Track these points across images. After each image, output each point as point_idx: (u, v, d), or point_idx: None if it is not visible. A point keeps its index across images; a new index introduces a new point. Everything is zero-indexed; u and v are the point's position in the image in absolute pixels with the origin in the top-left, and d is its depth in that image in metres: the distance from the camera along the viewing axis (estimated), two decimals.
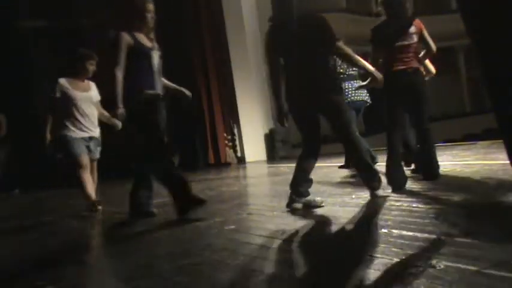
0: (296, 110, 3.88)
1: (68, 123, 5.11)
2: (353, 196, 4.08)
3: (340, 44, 3.77)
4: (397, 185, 4.10)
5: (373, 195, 3.84)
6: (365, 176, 3.86)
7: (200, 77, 10.69)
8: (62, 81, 5.18)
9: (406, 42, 4.39)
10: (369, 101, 6.32)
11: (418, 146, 4.63)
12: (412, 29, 4.41)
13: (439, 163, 4.53)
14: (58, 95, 5.10)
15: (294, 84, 3.81)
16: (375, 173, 3.86)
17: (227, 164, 10.26)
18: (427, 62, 4.69)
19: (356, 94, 6.19)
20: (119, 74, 3.92)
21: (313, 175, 4.71)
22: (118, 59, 3.94)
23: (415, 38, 4.42)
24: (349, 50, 3.84)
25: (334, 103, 3.75)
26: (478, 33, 2.64)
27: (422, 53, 4.58)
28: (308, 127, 3.88)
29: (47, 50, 9.81)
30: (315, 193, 4.39)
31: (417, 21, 4.45)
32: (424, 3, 17.63)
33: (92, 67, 5.24)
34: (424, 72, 4.75)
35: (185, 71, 10.70)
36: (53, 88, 5.13)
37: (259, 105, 10.35)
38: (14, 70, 9.46)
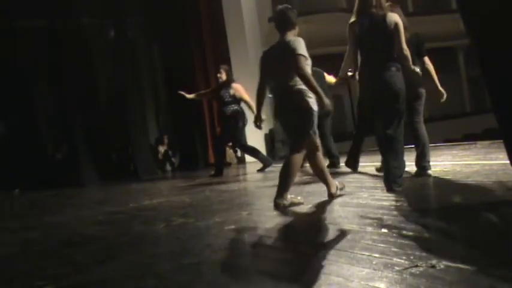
0: None
1: (311, 94, 3.91)
2: (353, 196, 4.08)
3: None
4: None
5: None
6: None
7: (200, 77, 10.68)
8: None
9: None
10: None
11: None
12: None
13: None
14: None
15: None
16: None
17: (227, 164, 10.26)
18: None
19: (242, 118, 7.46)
20: None
21: (314, 176, 4.70)
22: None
23: None
24: None
25: None
26: (478, 34, 2.64)
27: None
28: None
29: (46, 50, 9.80)
30: (315, 193, 4.40)
31: None
32: (424, 3, 17.61)
33: None
34: None
35: (185, 71, 10.70)
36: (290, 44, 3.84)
37: None
38: (13, 70, 9.44)
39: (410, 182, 4.41)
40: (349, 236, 2.72)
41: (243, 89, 7.65)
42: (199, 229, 3.52)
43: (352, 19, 4.19)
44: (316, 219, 3.36)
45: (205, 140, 10.83)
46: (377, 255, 2.25)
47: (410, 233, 2.60)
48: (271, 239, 2.87)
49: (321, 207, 3.79)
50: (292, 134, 4.01)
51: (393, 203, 3.61)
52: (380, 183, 4.28)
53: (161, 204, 5.29)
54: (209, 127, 10.75)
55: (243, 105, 7.62)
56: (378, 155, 5.26)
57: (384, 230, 2.74)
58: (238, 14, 10.56)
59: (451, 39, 16.24)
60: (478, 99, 17.33)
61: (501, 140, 2.64)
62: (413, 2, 17.33)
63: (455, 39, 15.76)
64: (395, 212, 3.26)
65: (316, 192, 4.41)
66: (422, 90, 4.69)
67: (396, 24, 3.97)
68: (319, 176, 4.13)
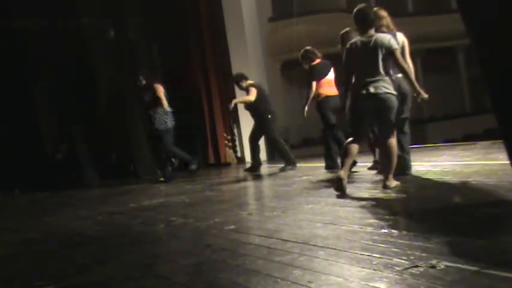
0: None
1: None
2: (353, 196, 4.08)
3: None
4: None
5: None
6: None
7: (200, 77, 10.67)
8: None
9: None
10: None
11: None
12: None
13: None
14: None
15: None
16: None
17: (227, 164, 10.26)
18: None
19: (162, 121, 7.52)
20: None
21: (314, 176, 4.70)
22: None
23: None
24: None
25: None
26: (478, 34, 2.64)
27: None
28: None
29: (46, 50, 9.79)
30: (315, 194, 4.40)
31: None
32: (424, 3, 17.61)
33: None
34: None
35: (185, 71, 10.70)
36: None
37: None
38: (13, 70, 9.43)
39: (410, 182, 4.41)
40: (349, 236, 2.72)
41: (161, 90, 7.71)
42: (199, 229, 3.52)
43: None
44: (316, 219, 3.36)
45: (205, 140, 10.82)
46: (377, 255, 2.25)
47: (411, 233, 2.61)
48: (271, 240, 2.87)
49: (321, 207, 3.79)
50: (381, 121, 4.28)
51: (393, 203, 3.61)
52: (379, 183, 4.28)
53: (161, 204, 5.29)
54: (209, 127, 10.75)
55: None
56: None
57: (384, 230, 2.74)
58: (238, 14, 10.55)
59: (451, 39, 16.24)
60: (478, 99, 17.33)
61: (501, 140, 2.63)
62: (414, 2, 17.33)
63: (455, 39, 15.76)
64: (395, 212, 3.26)
65: (316, 193, 4.42)
66: None
67: (403, 42, 4.80)
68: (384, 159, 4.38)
